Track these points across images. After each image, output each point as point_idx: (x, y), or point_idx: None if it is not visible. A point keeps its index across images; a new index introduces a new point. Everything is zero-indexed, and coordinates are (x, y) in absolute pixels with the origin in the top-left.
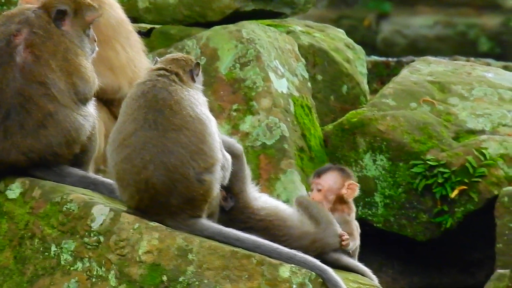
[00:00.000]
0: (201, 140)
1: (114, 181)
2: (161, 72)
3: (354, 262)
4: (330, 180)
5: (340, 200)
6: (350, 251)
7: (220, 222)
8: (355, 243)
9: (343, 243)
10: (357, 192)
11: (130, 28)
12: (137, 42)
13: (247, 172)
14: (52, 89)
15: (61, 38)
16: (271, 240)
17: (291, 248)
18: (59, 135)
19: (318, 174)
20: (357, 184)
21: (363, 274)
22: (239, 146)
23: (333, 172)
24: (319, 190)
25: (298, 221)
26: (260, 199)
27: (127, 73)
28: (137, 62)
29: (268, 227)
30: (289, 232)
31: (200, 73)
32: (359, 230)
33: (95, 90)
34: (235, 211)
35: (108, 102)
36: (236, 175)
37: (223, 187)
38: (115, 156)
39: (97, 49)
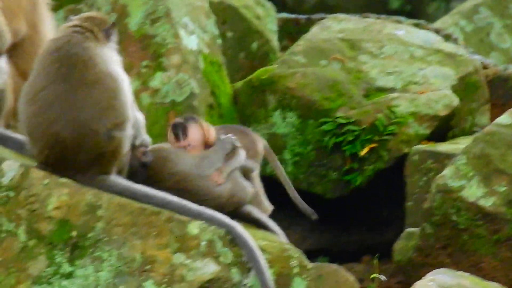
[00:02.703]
0: (112, 97)
1: (25, 135)
2: (76, 29)
3: (265, 218)
4: (195, 134)
5: (206, 143)
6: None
7: (140, 182)
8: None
9: (218, 181)
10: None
11: None
12: None
13: None
14: None
15: None
16: (191, 201)
17: (210, 207)
18: None
19: (184, 135)
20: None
21: (272, 231)
22: None
23: (192, 125)
24: (190, 147)
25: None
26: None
27: (19, 16)
28: (32, 10)
29: (187, 187)
30: (208, 191)
31: (115, 33)
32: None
33: (6, 45)
34: (153, 171)
35: (13, 54)
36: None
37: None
38: (27, 109)
39: (1, 3)
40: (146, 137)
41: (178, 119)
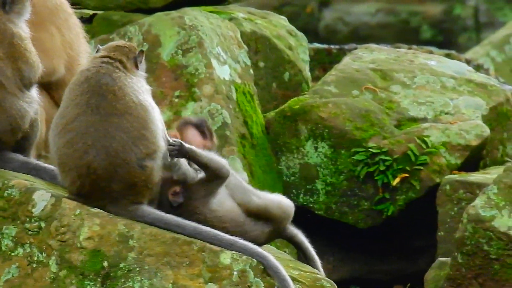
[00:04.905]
0: (143, 126)
1: (56, 166)
2: (105, 59)
3: (307, 243)
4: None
5: None
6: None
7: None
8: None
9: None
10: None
11: (69, 10)
12: (76, 25)
13: None
14: (0, 77)
15: (7, 24)
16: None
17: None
18: (6, 122)
19: (210, 134)
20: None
21: (311, 259)
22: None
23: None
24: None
25: (253, 225)
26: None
27: (62, 55)
28: (75, 45)
29: (223, 219)
30: (246, 235)
31: (144, 61)
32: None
33: (39, 74)
34: (183, 211)
35: (47, 86)
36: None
37: (179, 182)
38: (57, 141)
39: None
40: (187, 170)
41: (197, 118)
